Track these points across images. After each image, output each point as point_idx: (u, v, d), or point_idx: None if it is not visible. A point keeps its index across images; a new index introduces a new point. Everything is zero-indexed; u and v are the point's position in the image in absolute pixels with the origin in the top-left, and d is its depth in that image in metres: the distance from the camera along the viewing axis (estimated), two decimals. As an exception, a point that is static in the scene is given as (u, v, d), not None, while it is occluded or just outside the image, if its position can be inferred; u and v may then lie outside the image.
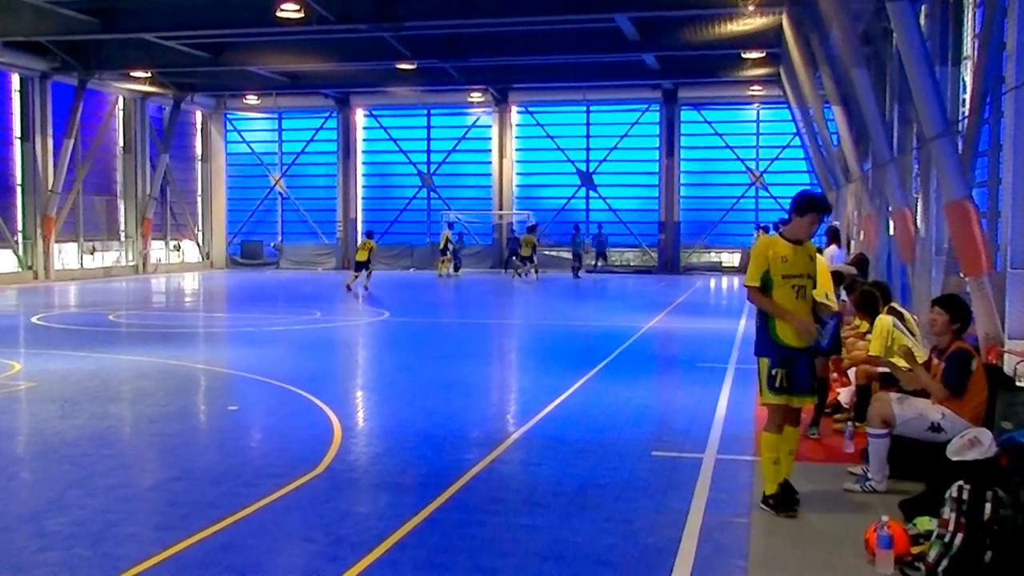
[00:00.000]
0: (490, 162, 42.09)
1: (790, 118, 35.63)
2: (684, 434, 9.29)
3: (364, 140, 43.90)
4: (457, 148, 42.74)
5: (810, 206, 6.78)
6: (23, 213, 33.61)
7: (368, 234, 30.85)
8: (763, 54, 31.26)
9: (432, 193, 42.93)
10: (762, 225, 28.14)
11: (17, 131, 33.48)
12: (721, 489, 7.21)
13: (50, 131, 33.88)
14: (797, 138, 36.87)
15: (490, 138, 42.07)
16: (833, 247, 17.09)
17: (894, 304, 9.71)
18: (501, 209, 41.59)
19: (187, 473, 7.78)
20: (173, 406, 10.78)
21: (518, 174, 42.50)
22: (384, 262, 42.03)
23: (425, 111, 42.70)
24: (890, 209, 16.75)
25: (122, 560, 5.63)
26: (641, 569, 5.62)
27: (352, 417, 10.24)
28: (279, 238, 44.23)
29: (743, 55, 31.80)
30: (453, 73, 35.97)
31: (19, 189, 33.57)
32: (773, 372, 6.65)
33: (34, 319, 20.58)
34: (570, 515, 6.59)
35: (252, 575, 5.48)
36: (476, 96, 40.53)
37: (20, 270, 33.26)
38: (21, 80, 33.31)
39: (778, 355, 6.66)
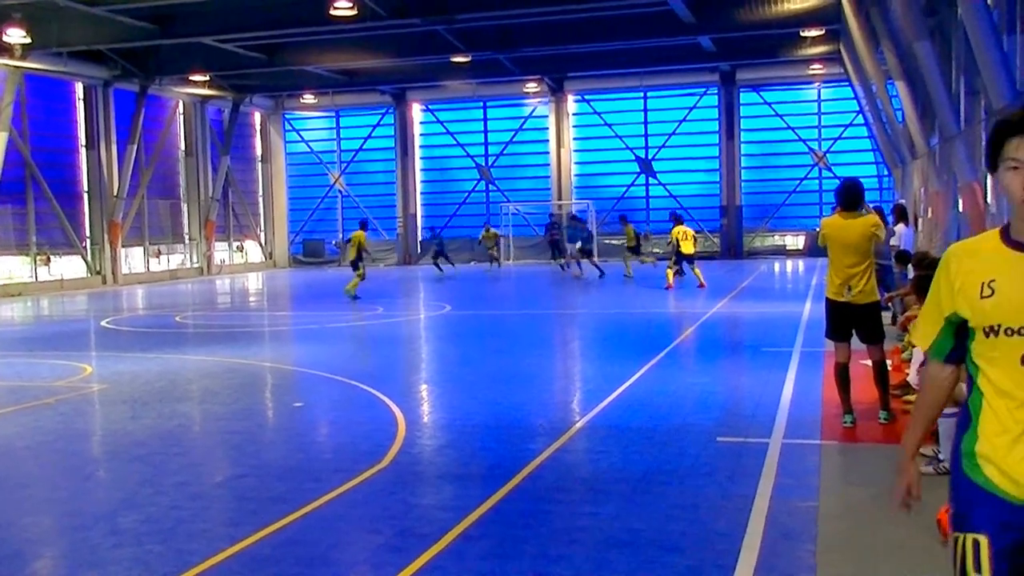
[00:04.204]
0: (548, 152, 42.05)
1: (852, 96, 35.08)
2: (750, 419, 9.16)
3: (421, 135, 44.12)
4: (514, 139, 42.77)
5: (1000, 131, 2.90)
6: (90, 219, 34.40)
7: (362, 224, 26.51)
8: (822, 31, 30.79)
9: (491, 185, 42.98)
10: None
11: (82, 139, 34.26)
12: (788, 474, 7.09)
13: (114, 138, 34.62)
14: (860, 116, 36.27)
15: (547, 128, 42.03)
16: (901, 225, 16.75)
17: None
18: (560, 199, 41.48)
19: (254, 469, 7.85)
20: (239, 404, 10.92)
21: (576, 163, 42.38)
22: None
23: (481, 104, 42.77)
24: (958, 184, 16.38)
25: (193, 555, 5.70)
26: (708, 554, 5.54)
27: (416, 410, 10.27)
28: (340, 236, 44.65)
29: (802, 33, 31.34)
30: (508, 64, 35.96)
31: (86, 196, 34.36)
32: (960, 538, 2.95)
33: (104, 323, 21.01)
34: (635, 502, 6.53)
35: (320, 568, 5.51)
36: (532, 87, 40.48)
37: (89, 275, 34.04)
38: (84, 89, 34.03)
39: (978, 509, 2.93)
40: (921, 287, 8.97)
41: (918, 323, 3.26)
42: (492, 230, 37.78)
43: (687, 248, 25.65)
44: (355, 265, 24.62)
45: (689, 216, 38.49)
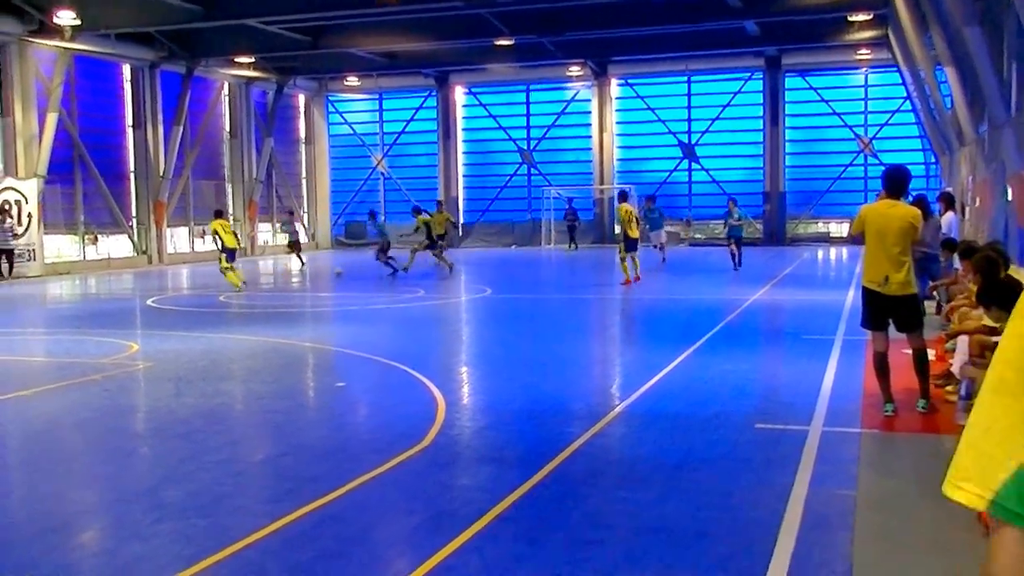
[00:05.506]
0: (590, 136, 41.91)
1: (900, 82, 34.56)
2: (789, 407, 9.12)
3: (464, 118, 44.13)
4: (557, 123, 42.65)
5: None
6: (136, 199, 34.84)
7: (217, 213, 24.91)
8: (870, 16, 30.38)
9: (532, 169, 42.93)
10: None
11: (129, 120, 34.68)
12: (827, 462, 7.04)
13: (160, 119, 35.00)
14: (907, 102, 35.74)
15: (590, 112, 41.87)
16: (950, 213, 16.55)
17: (1011, 272, 9.33)
18: (602, 184, 41.35)
19: (294, 448, 7.95)
20: (281, 383, 11.04)
21: (619, 148, 42.21)
22: (485, 239, 42.30)
23: (524, 87, 42.68)
24: (1007, 174, 16.12)
25: (233, 530, 5.79)
26: (743, 542, 5.53)
27: (455, 392, 10.33)
28: (382, 218, 44.69)
29: (849, 18, 30.97)
30: (551, 48, 35.85)
31: (132, 176, 34.79)
32: None
33: (149, 302, 21.30)
34: (671, 488, 6.53)
35: (357, 546, 5.57)
36: (575, 70, 40.33)
37: (135, 255, 34.50)
38: (132, 70, 34.43)
39: None
40: (985, 270, 8.40)
41: (991, 429, 1.56)
42: (442, 213, 29.57)
43: (634, 231, 21.98)
44: (233, 255, 22.82)
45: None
